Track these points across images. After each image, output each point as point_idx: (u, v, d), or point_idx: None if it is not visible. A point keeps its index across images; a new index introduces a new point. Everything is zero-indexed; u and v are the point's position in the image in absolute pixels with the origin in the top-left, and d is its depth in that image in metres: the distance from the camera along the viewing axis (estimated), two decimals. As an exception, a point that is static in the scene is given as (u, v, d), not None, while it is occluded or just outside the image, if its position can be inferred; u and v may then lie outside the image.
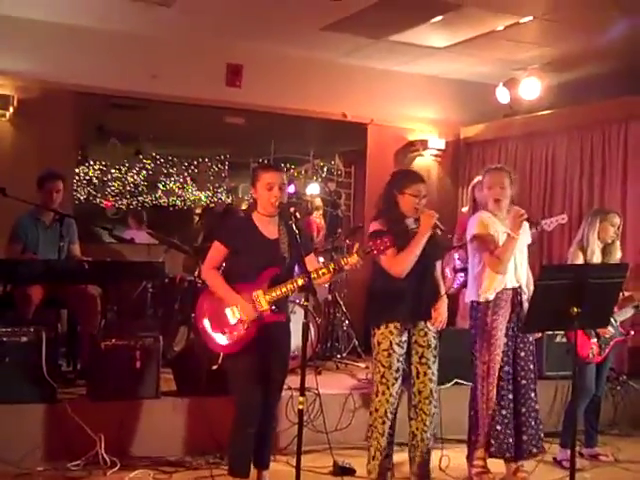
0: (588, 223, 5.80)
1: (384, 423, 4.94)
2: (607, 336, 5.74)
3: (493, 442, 5.18)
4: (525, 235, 5.30)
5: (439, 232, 4.93)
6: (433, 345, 4.99)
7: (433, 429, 5.02)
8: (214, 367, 4.92)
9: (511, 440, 5.16)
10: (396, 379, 4.93)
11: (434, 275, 5.08)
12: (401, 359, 4.94)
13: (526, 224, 5.33)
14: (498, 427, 5.16)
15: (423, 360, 4.97)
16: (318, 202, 8.62)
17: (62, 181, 6.39)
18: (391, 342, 4.90)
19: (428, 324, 4.99)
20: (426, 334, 4.99)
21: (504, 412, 5.15)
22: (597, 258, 5.69)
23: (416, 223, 4.93)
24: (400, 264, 4.83)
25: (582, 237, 5.78)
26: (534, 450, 5.23)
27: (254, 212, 4.73)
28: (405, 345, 4.96)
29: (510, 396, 5.17)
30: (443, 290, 5.12)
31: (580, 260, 5.67)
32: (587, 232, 5.76)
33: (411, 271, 4.84)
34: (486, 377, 5.17)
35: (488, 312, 5.17)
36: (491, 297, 5.16)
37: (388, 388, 4.93)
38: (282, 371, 4.74)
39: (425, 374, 4.97)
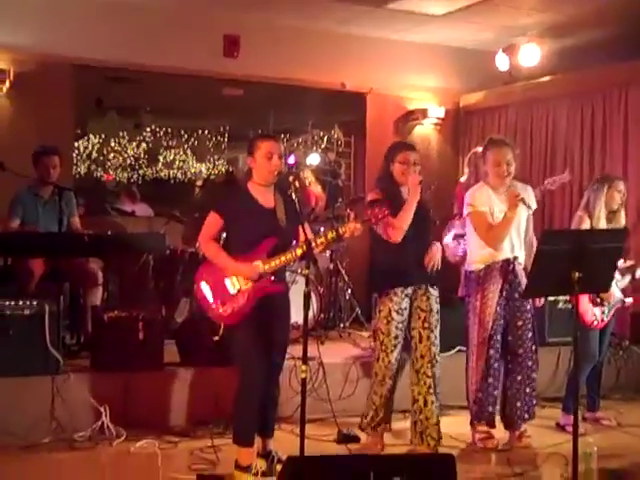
0: (594, 190, 5.77)
1: (382, 386, 5.07)
2: (612, 301, 5.74)
3: (475, 407, 5.26)
4: (523, 208, 5.30)
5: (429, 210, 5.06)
6: (435, 309, 5.08)
7: (438, 393, 5.07)
8: (215, 338, 4.93)
9: (490, 408, 5.23)
10: (395, 346, 5.03)
11: (430, 240, 5.12)
12: (400, 326, 5.02)
13: (528, 189, 5.33)
14: (480, 394, 5.24)
15: (426, 324, 5.05)
16: (307, 174, 8.57)
17: (58, 156, 6.36)
18: (390, 309, 5.00)
19: (430, 288, 5.05)
20: (428, 298, 5.07)
21: (490, 380, 5.21)
22: (602, 225, 5.68)
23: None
24: (394, 229, 4.92)
25: (588, 203, 5.77)
26: (525, 416, 5.30)
27: (249, 182, 4.71)
28: (405, 312, 5.03)
29: (497, 365, 5.23)
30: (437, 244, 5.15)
31: (586, 225, 5.67)
32: (594, 199, 5.74)
33: (408, 236, 4.93)
34: (477, 345, 5.24)
35: (479, 281, 5.23)
36: (481, 267, 5.21)
37: (387, 355, 5.03)
38: (284, 340, 4.75)
39: (428, 338, 5.04)
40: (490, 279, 5.20)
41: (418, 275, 5.02)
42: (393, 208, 4.76)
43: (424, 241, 5.06)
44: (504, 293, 5.21)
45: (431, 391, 5.05)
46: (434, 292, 5.10)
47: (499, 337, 5.22)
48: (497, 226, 5.16)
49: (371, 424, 5.15)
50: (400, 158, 5.06)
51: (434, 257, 5.04)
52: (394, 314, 5.00)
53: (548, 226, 8.17)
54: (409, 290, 5.03)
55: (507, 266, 5.21)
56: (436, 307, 5.09)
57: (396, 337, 5.02)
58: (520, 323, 5.25)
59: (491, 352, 5.20)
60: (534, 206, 5.38)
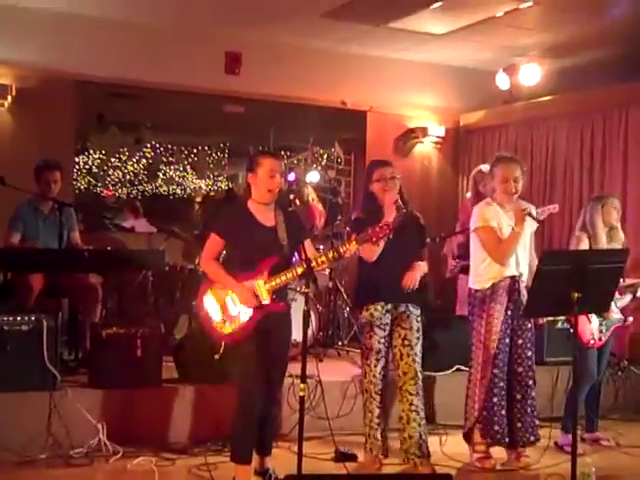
0: (590, 209, 5.80)
1: (371, 403, 5.11)
2: (611, 318, 5.73)
3: (482, 427, 5.23)
4: (529, 223, 5.31)
5: (418, 217, 5.11)
6: (415, 327, 5.11)
7: (423, 411, 5.08)
8: (217, 357, 4.94)
9: (497, 427, 5.19)
10: (377, 360, 5.08)
11: (412, 259, 5.11)
12: (382, 341, 5.08)
13: (533, 208, 5.35)
14: (485, 413, 5.21)
15: (406, 342, 5.09)
16: (309, 190, 8.58)
17: (59, 171, 6.36)
18: (371, 324, 5.06)
19: (410, 307, 5.11)
20: (408, 317, 5.11)
21: (495, 399, 5.19)
22: (603, 242, 5.69)
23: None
24: (367, 249, 4.89)
25: (585, 223, 5.78)
26: (531, 438, 5.27)
27: (249, 200, 4.69)
28: (387, 328, 5.08)
29: (502, 384, 5.20)
30: (424, 262, 5.17)
31: (585, 244, 5.67)
32: (590, 217, 5.75)
33: (385, 255, 4.96)
34: (481, 364, 5.21)
35: (486, 299, 5.21)
36: (487, 285, 5.20)
37: (371, 369, 5.10)
38: (283, 359, 4.74)
39: (408, 355, 5.08)
40: (496, 298, 5.18)
41: (395, 293, 5.05)
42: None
43: (404, 260, 5.07)
44: (509, 312, 5.20)
45: (413, 408, 5.05)
46: (415, 311, 5.13)
47: (502, 356, 5.19)
48: (505, 241, 5.15)
49: (374, 447, 5.12)
50: (376, 176, 5.12)
51: (412, 277, 5.05)
52: (376, 329, 5.06)
53: (548, 246, 8.18)
54: (389, 306, 5.06)
55: (513, 284, 5.19)
56: (417, 325, 5.12)
57: (378, 351, 5.06)
58: (520, 342, 5.24)
59: (495, 371, 5.17)
60: (533, 229, 5.38)
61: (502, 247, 5.15)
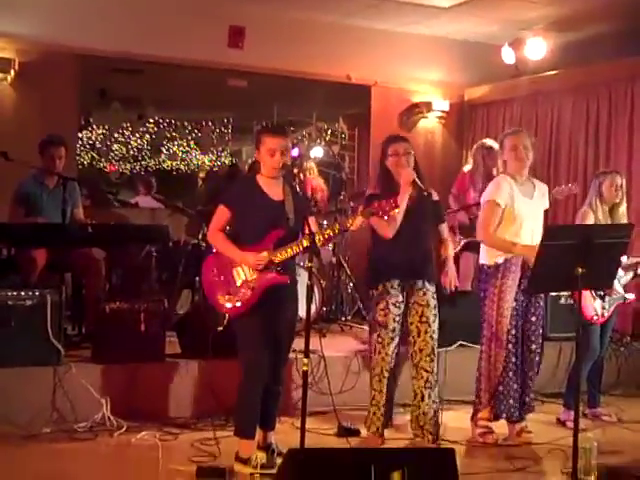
0: (592, 187, 5.85)
1: (380, 381, 5.08)
2: (614, 296, 5.73)
3: (497, 404, 5.22)
4: (543, 200, 5.32)
5: (425, 194, 5.01)
6: (432, 304, 5.10)
7: (437, 388, 5.09)
8: (219, 328, 4.92)
9: (512, 402, 5.20)
10: (392, 338, 5.04)
11: (428, 236, 5.14)
12: (397, 319, 5.04)
13: (546, 188, 5.33)
14: (501, 388, 5.20)
15: (423, 319, 5.07)
16: (310, 165, 8.56)
17: (64, 147, 6.35)
18: (387, 302, 5.01)
19: (426, 283, 5.07)
20: (425, 293, 5.08)
21: (511, 374, 5.18)
22: (605, 219, 5.69)
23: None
24: (385, 224, 4.91)
25: (590, 199, 5.80)
26: (530, 407, 5.33)
27: (258, 174, 4.71)
28: (402, 305, 5.05)
29: (514, 359, 5.19)
30: (449, 251, 5.23)
31: (591, 220, 5.68)
32: (592, 195, 5.80)
33: (402, 232, 4.94)
34: (494, 340, 5.19)
35: (498, 275, 5.17)
36: (500, 261, 5.16)
37: (384, 347, 5.05)
38: (289, 333, 4.75)
39: (426, 332, 5.07)
40: (509, 274, 5.14)
41: (411, 270, 5.04)
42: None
43: (420, 236, 5.07)
44: (521, 287, 5.17)
45: (428, 385, 5.07)
46: (431, 287, 5.12)
47: (515, 332, 5.17)
48: (501, 241, 5.13)
49: (375, 424, 5.12)
50: (390, 151, 5.10)
51: (450, 276, 5.16)
52: (391, 307, 5.02)
53: (552, 222, 8.15)
54: (404, 284, 5.04)
55: (524, 259, 5.16)
56: (433, 302, 5.10)
57: (393, 330, 5.04)
58: (534, 319, 5.24)
59: (509, 346, 5.16)
60: (546, 206, 5.36)
61: (494, 239, 5.15)
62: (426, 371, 5.06)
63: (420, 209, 5.03)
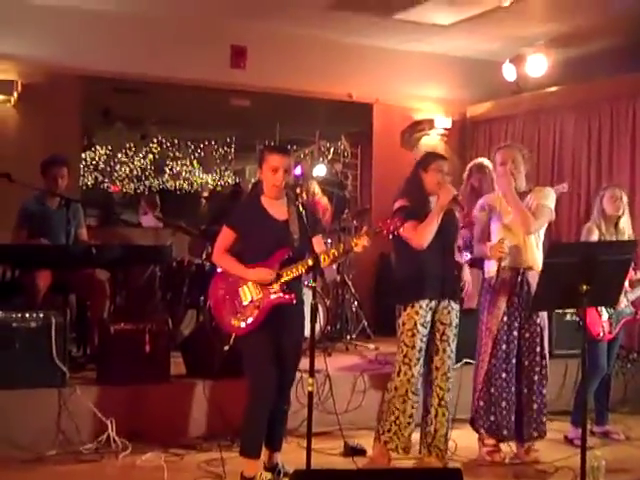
0: (595, 203, 5.89)
1: (404, 402, 4.97)
2: (620, 310, 5.70)
3: (479, 417, 5.24)
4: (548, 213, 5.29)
5: (457, 209, 5.08)
6: (454, 324, 5.07)
7: (449, 407, 5.07)
8: (226, 348, 4.91)
9: (493, 418, 5.19)
10: (418, 359, 4.98)
11: (454, 253, 5.14)
12: (424, 339, 4.99)
13: (554, 195, 5.32)
14: (481, 403, 5.22)
15: (444, 337, 5.04)
16: (314, 185, 8.57)
17: (66, 166, 6.35)
18: (416, 322, 4.95)
19: (452, 302, 5.05)
20: (449, 312, 5.05)
21: (493, 390, 5.18)
22: (609, 236, 5.69)
23: None
24: (419, 235, 4.90)
25: (594, 215, 5.85)
26: (534, 434, 5.25)
27: (262, 194, 4.72)
28: (429, 326, 5.00)
29: (503, 375, 5.18)
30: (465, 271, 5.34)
31: (595, 236, 5.69)
32: (596, 210, 5.84)
33: (432, 248, 4.92)
34: (482, 353, 5.24)
35: (490, 289, 5.24)
36: (493, 275, 5.20)
37: (410, 368, 4.97)
38: (295, 353, 4.74)
39: (444, 351, 5.04)
40: (499, 288, 5.19)
41: (442, 288, 5.00)
42: (421, 217, 4.87)
43: (450, 253, 5.07)
44: (514, 304, 5.18)
45: (443, 404, 5.04)
46: (455, 306, 5.08)
47: (505, 347, 5.18)
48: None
49: (394, 442, 5.02)
50: (435, 166, 5.04)
51: (466, 280, 5.24)
52: (420, 327, 4.95)
53: (555, 238, 8.14)
54: (433, 304, 5.00)
55: (516, 276, 5.18)
56: (456, 321, 5.07)
57: (420, 350, 4.97)
58: (527, 335, 5.23)
59: (493, 361, 5.18)
60: (549, 203, 5.30)
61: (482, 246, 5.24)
62: (441, 389, 5.03)
63: (449, 227, 5.02)
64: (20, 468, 4.86)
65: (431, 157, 5.19)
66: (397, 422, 4.99)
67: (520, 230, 5.16)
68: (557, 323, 6.67)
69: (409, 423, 5.00)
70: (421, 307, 4.95)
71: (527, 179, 5.32)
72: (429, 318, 4.99)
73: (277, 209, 4.67)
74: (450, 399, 5.08)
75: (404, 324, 4.99)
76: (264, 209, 4.67)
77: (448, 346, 5.04)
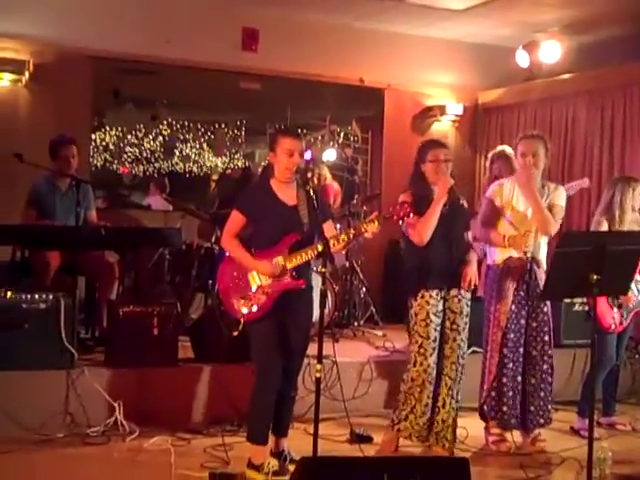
0: (619, 190, 5.65)
1: (422, 392, 4.96)
2: (631, 305, 5.67)
3: (490, 407, 5.22)
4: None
5: (461, 203, 5.04)
6: (465, 312, 5.05)
7: (458, 396, 5.06)
8: (235, 333, 4.91)
9: (505, 409, 5.18)
10: (433, 349, 4.96)
11: (462, 243, 5.09)
12: (438, 328, 4.97)
13: (563, 191, 5.29)
14: (493, 393, 5.21)
15: (454, 326, 5.02)
16: (325, 170, 8.54)
17: (75, 145, 6.32)
18: (428, 312, 4.94)
19: (462, 291, 5.03)
20: (459, 301, 5.03)
21: (505, 380, 5.17)
22: (625, 226, 5.60)
23: None
24: (418, 232, 4.90)
25: (608, 205, 5.67)
26: (541, 421, 5.25)
27: (272, 178, 4.69)
28: (441, 315, 4.99)
29: (512, 365, 5.17)
30: (471, 255, 5.13)
31: (604, 228, 5.61)
32: (621, 200, 5.62)
33: (436, 239, 4.90)
34: (490, 343, 5.22)
35: (496, 278, 5.22)
36: (499, 262, 5.20)
37: (426, 358, 4.95)
38: (303, 339, 4.72)
39: (454, 340, 5.02)
40: (506, 276, 5.17)
41: (450, 276, 4.98)
42: (422, 208, 4.81)
43: (456, 241, 5.02)
44: (522, 293, 5.16)
45: (450, 393, 5.02)
46: (466, 295, 5.06)
47: (513, 336, 5.17)
48: (495, 237, 5.18)
49: (408, 430, 5.00)
50: (430, 156, 5.01)
51: (468, 275, 5.00)
52: (432, 316, 4.94)
53: (566, 226, 8.10)
54: (443, 292, 4.98)
55: (524, 264, 5.15)
56: (466, 310, 5.05)
57: (434, 340, 4.95)
58: (535, 325, 5.21)
59: (504, 351, 5.16)
60: (563, 203, 5.29)
61: (490, 235, 5.23)
62: (450, 378, 5.01)
63: (454, 216, 5.00)
64: (28, 450, 4.87)
65: (427, 147, 5.12)
66: (414, 411, 4.98)
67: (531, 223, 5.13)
68: (566, 313, 6.66)
69: (424, 412, 4.98)
70: (431, 296, 4.94)
71: (542, 174, 5.26)
72: (441, 307, 4.97)
73: (287, 194, 4.65)
74: (459, 389, 5.06)
75: (416, 314, 4.97)
76: (274, 193, 4.64)
77: (458, 335, 5.02)
